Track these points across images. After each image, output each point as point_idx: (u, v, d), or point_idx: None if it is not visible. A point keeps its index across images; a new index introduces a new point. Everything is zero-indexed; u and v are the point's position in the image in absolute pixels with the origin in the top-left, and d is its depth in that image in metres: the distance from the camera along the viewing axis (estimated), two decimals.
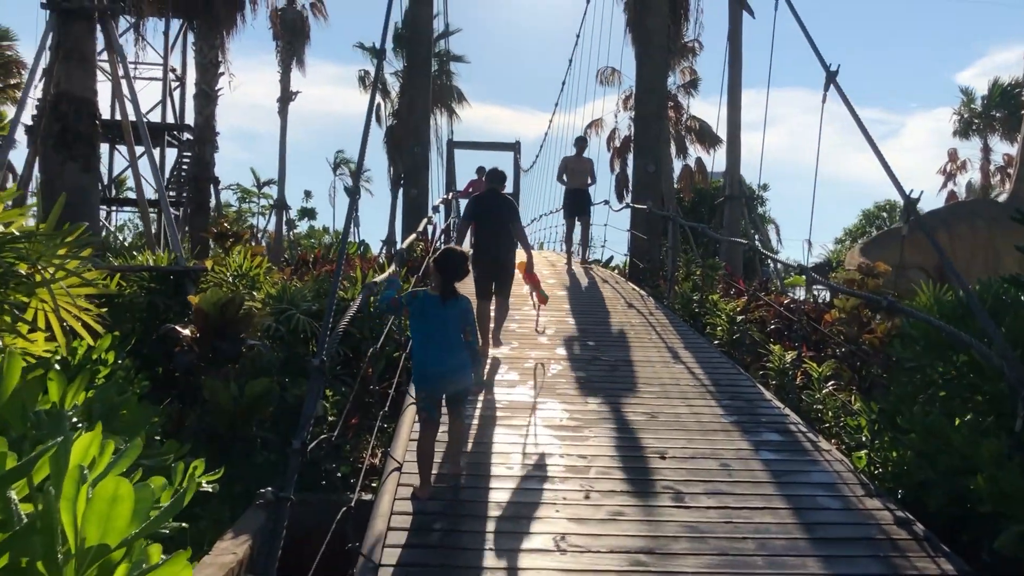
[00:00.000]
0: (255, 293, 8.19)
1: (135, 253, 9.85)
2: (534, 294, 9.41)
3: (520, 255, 9.00)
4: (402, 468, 5.44)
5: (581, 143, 15.22)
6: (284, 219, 28.72)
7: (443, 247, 5.75)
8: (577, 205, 14.80)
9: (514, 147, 46.53)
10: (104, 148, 33.58)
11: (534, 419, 6.67)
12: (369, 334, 8.42)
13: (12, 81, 33.20)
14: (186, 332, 6.24)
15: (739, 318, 10.20)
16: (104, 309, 6.90)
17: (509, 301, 8.94)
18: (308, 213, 58.69)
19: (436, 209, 15.45)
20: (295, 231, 53.08)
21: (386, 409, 6.29)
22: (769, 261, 20.19)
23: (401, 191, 14.80)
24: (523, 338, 9.52)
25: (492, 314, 8.69)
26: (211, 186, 18.64)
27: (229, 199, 46.41)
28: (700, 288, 12.66)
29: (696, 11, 22.57)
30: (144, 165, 11.44)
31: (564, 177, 14.88)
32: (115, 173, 33.77)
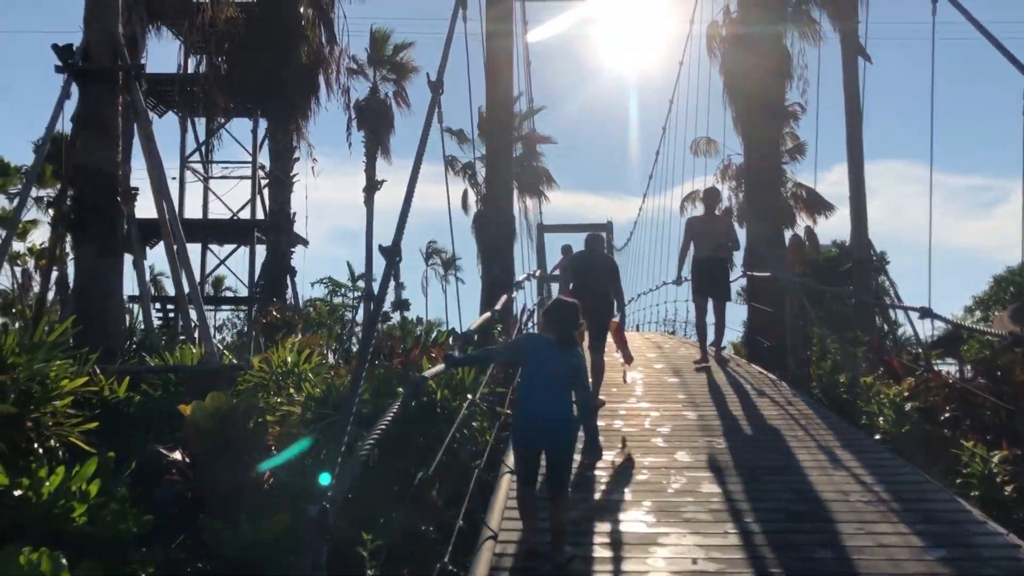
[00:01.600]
0: (296, 395, 6.64)
1: (167, 352, 8.46)
2: (620, 353, 9.49)
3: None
4: (497, 537, 4.87)
5: (712, 197, 11.95)
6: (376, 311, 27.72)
7: (555, 299, 5.39)
8: (711, 280, 11.29)
9: (606, 227, 45.15)
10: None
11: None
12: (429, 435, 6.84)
13: None
14: (175, 456, 4.67)
15: (907, 406, 8.02)
16: (94, 424, 5.44)
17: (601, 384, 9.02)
18: (402, 304, 58.20)
19: (520, 286, 13.77)
20: (388, 323, 52.46)
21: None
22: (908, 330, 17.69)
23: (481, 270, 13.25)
24: (632, 438, 7.59)
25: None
26: (287, 277, 17.56)
27: (320, 293, 46.26)
28: (839, 368, 10.50)
29: (799, 66, 20.57)
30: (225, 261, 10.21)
31: (691, 245, 11.43)
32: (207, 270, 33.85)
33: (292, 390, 7.35)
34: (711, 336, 11.90)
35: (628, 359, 9.59)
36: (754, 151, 14.13)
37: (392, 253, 4.22)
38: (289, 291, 18.57)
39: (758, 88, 13.90)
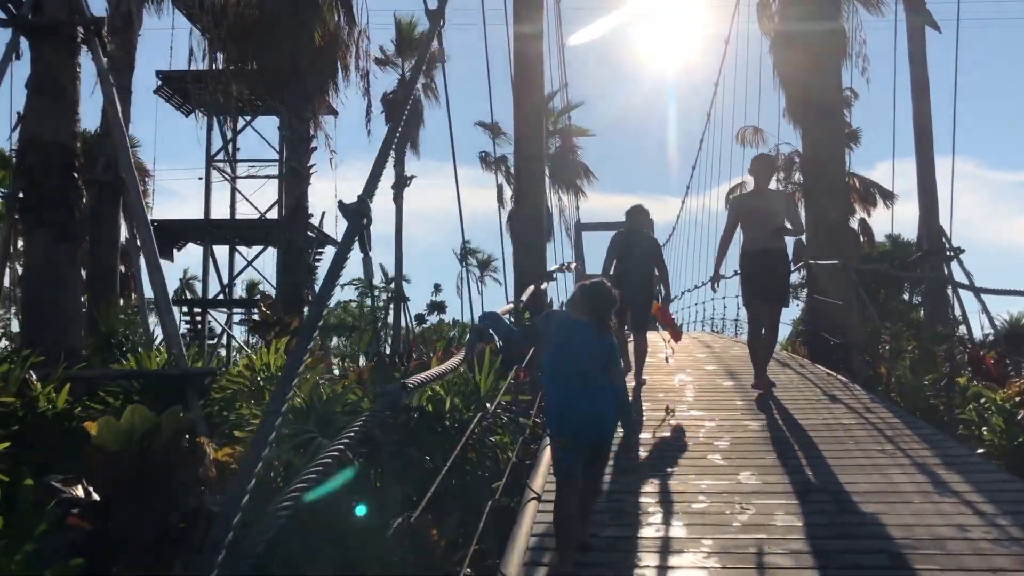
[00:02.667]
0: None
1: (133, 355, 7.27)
2: (668, 332, 9.70)
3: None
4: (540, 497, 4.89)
5: (764, 165, 8.64)
6: (405, 313, 26.65)
7: (592, 280, 4.64)
8: (767, 278, 8.21)
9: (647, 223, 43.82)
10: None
11: None
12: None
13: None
14: (76, 491, 3.48)
15: (1020, 413, 6.60)
16: (5, 444, 4.29)
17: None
18: (438, 307, 57.16)
19: (551, 277, 12.55)
20: (424, 326, 51.49)
21: None
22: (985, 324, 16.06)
23: (513, 269, 12.04)
24: (686, 458, 6.28)
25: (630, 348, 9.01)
26: (308, 277, 16.50)
27: (349, 295, 45.24)
28: (919, 368, 9.08)
29: (855, 41, 18.82)
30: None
31: (736, 231, 8.60)
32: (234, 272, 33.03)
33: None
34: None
35: (676, 336, 9.84)
36: (811, 152, 12.75)
37: (358, 214, 3.01)
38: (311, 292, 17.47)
39: (814, 86, 12.51)
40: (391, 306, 32.31)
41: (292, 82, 15.27)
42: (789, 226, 8.19)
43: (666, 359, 9.93)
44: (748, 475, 5.76)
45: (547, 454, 5.38)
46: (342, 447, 2.71)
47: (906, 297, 31.13)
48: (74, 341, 6.94)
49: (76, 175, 7.17)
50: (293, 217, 15.74)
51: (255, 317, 7.55)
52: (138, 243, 7.60)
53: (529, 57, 13.27)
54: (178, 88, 29.90)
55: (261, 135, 33.44)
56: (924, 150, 14.55)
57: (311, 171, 16.04)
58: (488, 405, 5.67)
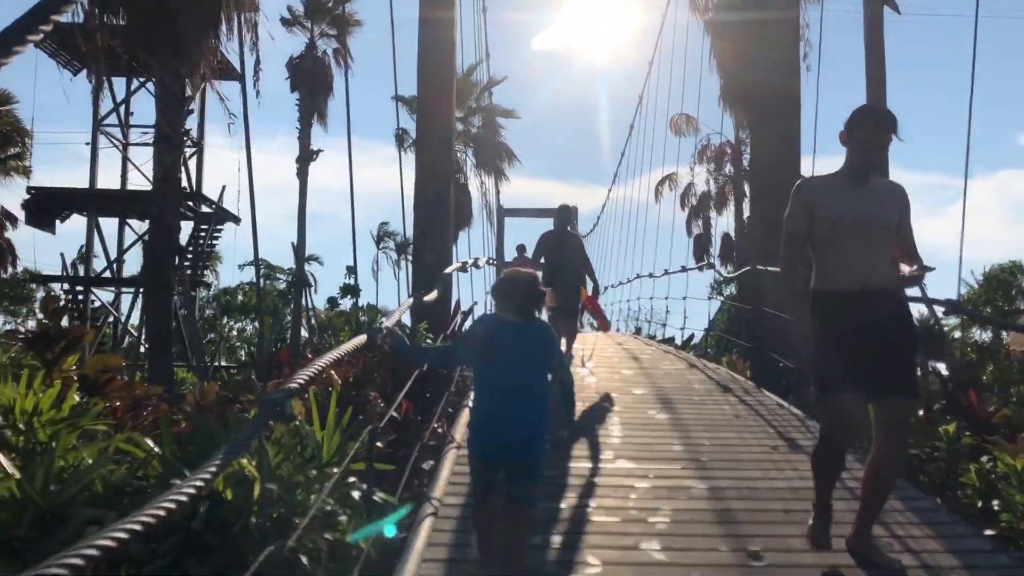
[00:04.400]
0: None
1: None
2: (596, 322, 10.61)
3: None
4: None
5: (877, 124, 4.95)
6: (307, 299, 24.39)
7: (506, 271, 4.13)
8: (879, 344, 5.73)
9: (570, 211, 42.28)
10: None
11: None
12: None
13: (13, 150, 29.91)
14: None
15: None
16: None
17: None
18: (350, 290, 54.46)
19: (464, 269, 10.76)
20: (336, 309, 49.02)
21: None
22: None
23: (412, 257, 10.18)
24: (614, 547, 4.51)
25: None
26: (176, 259, 14.18)
27: (249, 278, 42.22)
28: None
29: (801, 26, 17.35)
30: None
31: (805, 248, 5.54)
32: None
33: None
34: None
35: (604, 327, 11.05)
36: (763, 146, 11.22)
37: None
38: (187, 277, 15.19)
39: (766, 81, 11.01)
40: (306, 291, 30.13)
41: (161, 28, 12.96)
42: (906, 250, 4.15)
43: (583, 362, 9.94)
44: None
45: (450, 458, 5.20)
46: None
47: None
48: None
49: None
50: (162, 189, 13.43)
51: (31, 325, 5.53)
52: None
53: (434, 20, 11.54)
54: (64, 43, 27.00)
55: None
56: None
57: (187, 138, 13.75)
58: (331, 474, 3.82)
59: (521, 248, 17.95)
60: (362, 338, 4.18)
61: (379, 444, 4.42)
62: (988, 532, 5.02)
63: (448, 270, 9.26)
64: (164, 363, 13.18)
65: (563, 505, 5.07)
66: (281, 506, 3.81)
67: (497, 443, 3.72)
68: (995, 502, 5.22)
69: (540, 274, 4.60)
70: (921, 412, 7.78)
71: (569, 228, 10.15)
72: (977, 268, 33.20)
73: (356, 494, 4.12)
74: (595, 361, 10.28)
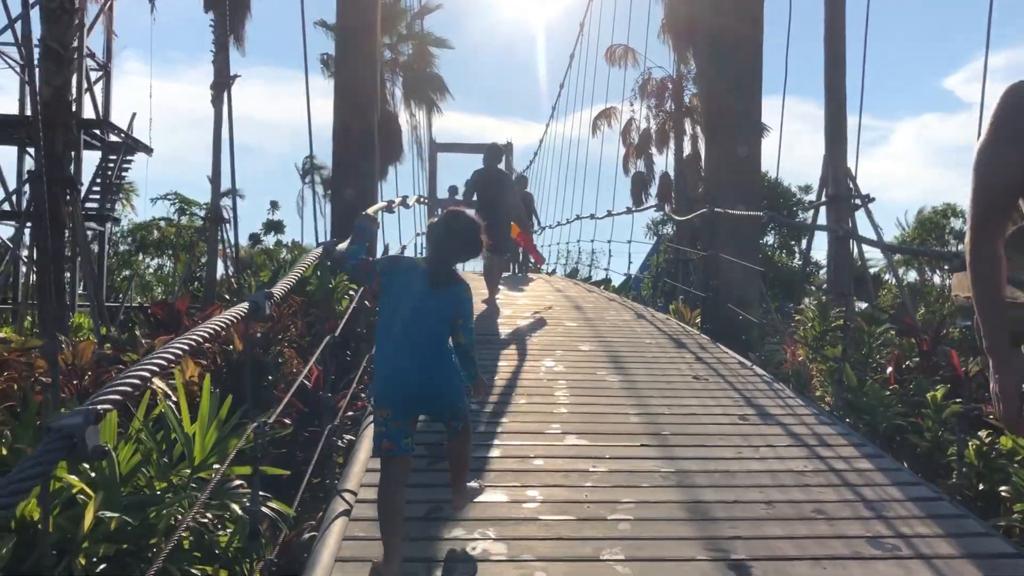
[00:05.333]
0: None
1: None
2: (531, 255, 11.10)
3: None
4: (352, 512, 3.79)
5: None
6: (223, 235, 22.80)
7: (449, 210, 3.77)
8: None
9: (505, 148, 40.95)
10: None
11: None
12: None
13: None
14: None
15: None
16: None
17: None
18: (275, 226, 52.44)
19: (390, 210, 9.68)
20: (259, 246, 47.06)
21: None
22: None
23: (330, 192, 9.02)
24: (569, 559, 3.66)
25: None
26: (69, 192, 12.64)
27: (167, 212, 39.65)
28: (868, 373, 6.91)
29: None
30: None
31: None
32: None
33: None
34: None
35: (540, 259, 11.79)
36: (718, 82, 10.27)
37: None
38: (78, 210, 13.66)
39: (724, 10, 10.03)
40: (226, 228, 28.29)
41: None
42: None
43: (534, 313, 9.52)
44: None
45: (368, 436, 4.34)
46: None
47: (770, 241, 29.89)
48: None
49: None
50: (50, 112, 11.87)
51: None
52: None
53: None
54: None
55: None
56: (834, 75, 12.33)
57: (91, 59, 12.14)
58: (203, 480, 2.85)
59: (453, 189, 17.50)
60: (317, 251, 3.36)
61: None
62: (999, 522, 4.36)
63: (371, 209, 8.17)
64: (55, 308, 11.81)
65: (503, 498, 4.19)
66: (130, 534, 2.80)
67: (407, 388, 3.40)
68: (1003, 489, 4.53)
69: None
70: (890, 370, 7.16)
71: (500, 166, 10.05)
72: (899, 211, 33.28)
73: (237, 507, 3.14)
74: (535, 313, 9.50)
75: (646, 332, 8.58)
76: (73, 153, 25.87)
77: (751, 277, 8.41)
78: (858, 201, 12.09)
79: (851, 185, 12.08)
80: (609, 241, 14.11)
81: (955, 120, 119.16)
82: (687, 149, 26.31)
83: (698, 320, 10.10)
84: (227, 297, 22.62)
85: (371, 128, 10.06)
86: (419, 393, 3.42)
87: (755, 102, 9.77)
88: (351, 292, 8.41)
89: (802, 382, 7.46)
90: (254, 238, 49.46)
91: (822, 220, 12.76)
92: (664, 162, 27.18)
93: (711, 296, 8.61)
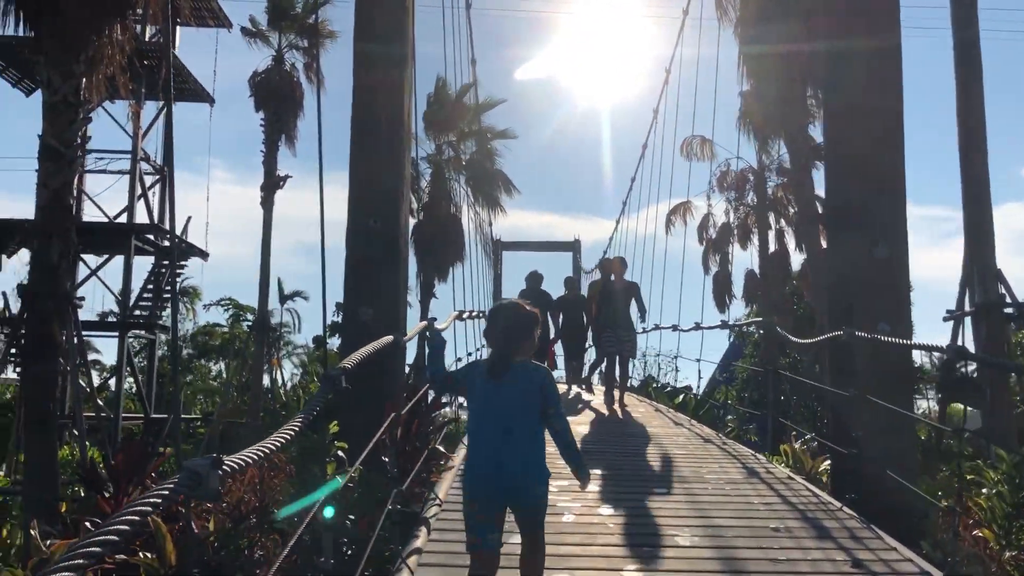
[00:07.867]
0: None
1: None
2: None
3: None
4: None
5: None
6: (269, 345, 21.25)
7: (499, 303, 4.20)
8: None
9: (573, 246, 39.07)
10: None
11: None
12: None
13: None
14: None
15: None
16: None
17: None
18: (339, 328, 51.13)
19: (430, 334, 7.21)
20: (318, 354, 45.57)
21: None
22: None
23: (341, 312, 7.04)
24: None
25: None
26: (66, 304, 11.02)
27: (221, 318, 38.30)
28: None
29: None
30: None
31: None
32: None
33: None
34: None
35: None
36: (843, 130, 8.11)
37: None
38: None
39: None
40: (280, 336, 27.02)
41: (48, 17, 10.02)
42: None
43: None
44: None
45: None
46: None
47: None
48: None
49: None
50: (46, 217, 10.37)
51: None
52: None
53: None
54: (13, 59, 24.39)
55: (117, 121, 27.40)
56: (975, 161, 10.06)
57: (80, 152, 10.73)
58: None
59: (535, 277, 12.40)
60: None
61: None
62: None
63: (441, 324, 6.00)
64: (42, 446, 10.06)
65: None
66: None
67: (491, 483, 3.59)
68: None
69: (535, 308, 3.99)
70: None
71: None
72: None
73: None
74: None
75: (765, 505, 6.13)
76: (111, 259, 24.87)
77: (903, 428, 6.01)
78: (1011, 310, 9.61)
79: (1002, 290, 9.65)
80: (698, 359, 11.93)
81: None
82: (771, 246, 23.96)
83: (822, 469, 7.69)
84: (277, 407, 20.85)
85: (395, 234, 8.10)
86: (504, 483, 3.56)
87: (899, 190, 7.50)
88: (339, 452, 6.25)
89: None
90: (318, 341, 48.15)
91: (959, 331, 10.29)
92: (748, 259, 24.93)
93: (854, 454, 6.12)
